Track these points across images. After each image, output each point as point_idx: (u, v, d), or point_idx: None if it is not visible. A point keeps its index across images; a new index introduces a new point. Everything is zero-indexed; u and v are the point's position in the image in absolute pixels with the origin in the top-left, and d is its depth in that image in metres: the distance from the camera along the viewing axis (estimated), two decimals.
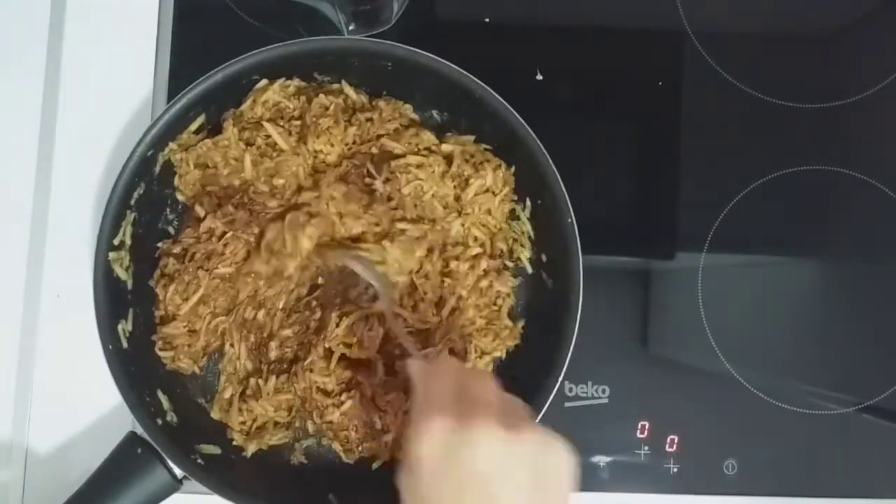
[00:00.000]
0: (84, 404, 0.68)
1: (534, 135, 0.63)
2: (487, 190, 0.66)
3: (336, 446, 0.66)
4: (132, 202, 0.64)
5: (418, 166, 0.65)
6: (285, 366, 0.66)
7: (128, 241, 0.64)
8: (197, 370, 0.67)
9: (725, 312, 0.71)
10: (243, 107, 0.66)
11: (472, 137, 0.67)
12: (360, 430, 0.64)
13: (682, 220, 0.72)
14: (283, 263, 0.64)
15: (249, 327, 0.66)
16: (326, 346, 0.64)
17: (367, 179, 0.65)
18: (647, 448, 0.68)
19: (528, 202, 0.67)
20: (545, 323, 0.65)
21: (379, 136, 0.66)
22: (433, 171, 0.65)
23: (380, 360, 0.65)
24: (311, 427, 0.67)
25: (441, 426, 0.48)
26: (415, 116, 0.68)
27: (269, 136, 0.65)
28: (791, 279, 0.73)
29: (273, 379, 0.65)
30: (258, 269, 0.65)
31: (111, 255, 0.63)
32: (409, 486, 0.49)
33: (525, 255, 0.68)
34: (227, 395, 0.66)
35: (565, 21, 0.74)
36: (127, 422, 0.65)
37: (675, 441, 0.68)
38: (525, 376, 0.64)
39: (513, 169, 0.67)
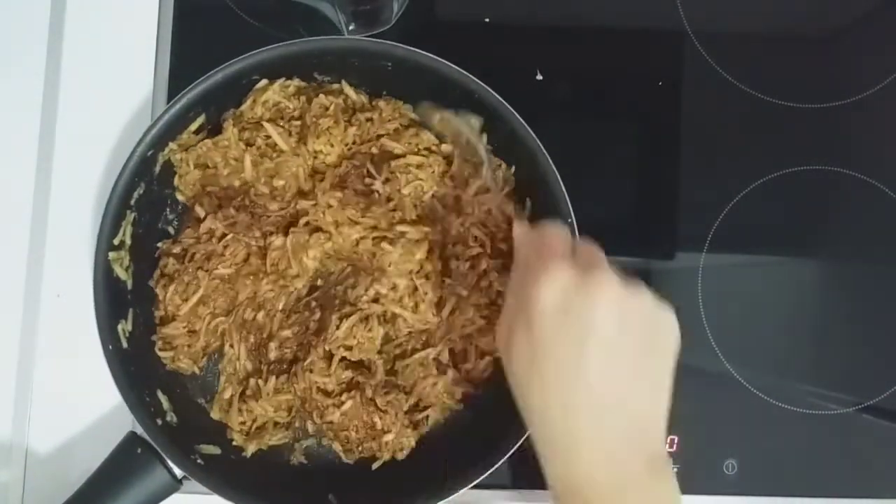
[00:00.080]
0: (84, 404, 0.68)
1: (534, 135, 0.63)
2: (488, 190, 0.66)
3: (336, 446, 0.65)
4: (132, 202, 0.64)
5: (418, 166, 0.65)
6: (285, 366, 0.66)
7: (128, 241, 0.64)
8: (197, 370, 0.67)
9: (725, 312, 0.71)
10: (243, 107, 0.66)
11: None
12: (361, 430, 0.64)
13: (682, 220, 0.72)
14: (291, 283, 0.66)
15: (249, 328, 0.66)
16: (326, 348, 0.64)
17: (367, 180, 0.65)
18: None
19: (528, 202, 0.67)
20: None
21: (379, 136, 0.66)
22: (433, 172, 0.65)
23: (380, 361, 0.65)
24: (311, 427, 0.67)
25: (565, 274, 0.48)
26: (415, 116, 0.68)
27: (269, 137, 0.65)
28: (791, 279, 0.73)
29: (273, 379, 0.65)
30: (266, 290, 0.65)
31: (111, 255, 0.63)
32: (521, 342, 0.49)
33: None
34: (226, 395, 0.66)
35: (565, 21, 0.74)
36: (127, 422, 0.65)
37: (675, 441, 0.68)
38: None
39: (513, 169, 0.67)
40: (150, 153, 0.63)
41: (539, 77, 0.72)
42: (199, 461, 0.63)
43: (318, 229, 0.65)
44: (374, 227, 0.65)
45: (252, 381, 0.66)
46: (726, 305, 0.71)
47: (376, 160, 0.66)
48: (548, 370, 0.48)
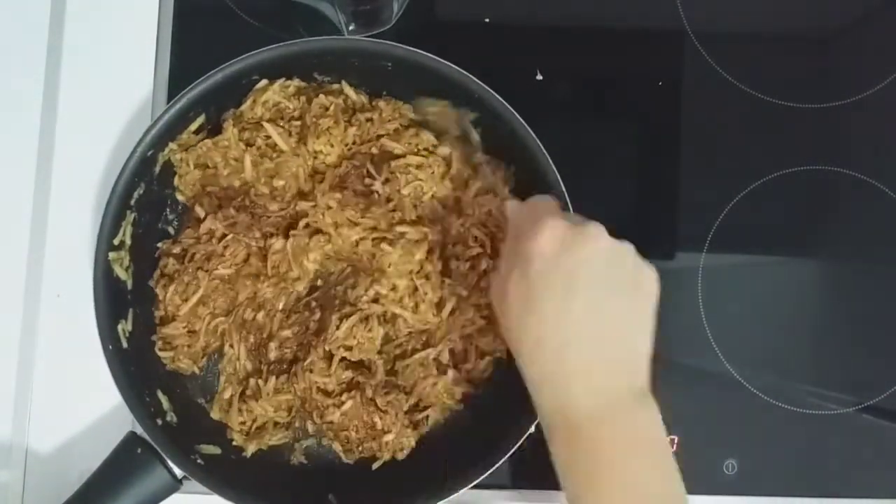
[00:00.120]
0: (84, 404, 0.68)
1: (534, 135, 0.63)
2: (488, 191, 0.66)
3: (336, 447, 0.65)
4: (132, 202, 0.64)
5: (418, 167, 0.65)
6: (285, 366, 0.66)
7: (128, 241, 0.64)
8: (197, 370, 0.67)
9: (725, 312, 0.71)
10: (243, 107, 0.66)
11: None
12: (361, 430, 0.64)
13: (682, 220, 0.72)
14: (291, 286, 0.66)
15: (249, 328, 0.66)
16: (326, 348, 0.64)
17: (367, 180, 0.65)
18: None
19: None
20: None
21: (379, 137, 0.66)
22: (433, 172, 0.65)
23: (380, 361, 0.65)
24: (311, 427, 0.67)
25: (560, 224, 0.52)
26: (415, 116, 0.68)
27: (268, 137, 0.65)
28: (791, 279, 0.73)
29: (273, 379, 0.65)
30: (266, 290, 0.66)
31: (111, 254, 0.63)
32: (517, 290, 0.53)
33: None
34: (226, 395, 0.66)
35: (565, 21, 0.74)
36: (127, 422, 0.65)
37: (675, 441, 0.68)
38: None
39: (512, 169, 0.67)
40: (150, 153, 0.63)
41: (539, 77, 0.72)
42: (199, 461, 0.63)
43: (317, 231, 0.65)
44: (374, 228, 0.65)
45: (252, 381, 0.66)
46: (726, 305, 0.71)
47: (376, 160, 0.66)
48: (543, 308, 0.52)
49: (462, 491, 0.61)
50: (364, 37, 0.66)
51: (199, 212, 0.65)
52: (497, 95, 0.63)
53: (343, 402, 0.63)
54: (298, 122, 0.66)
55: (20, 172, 0.70)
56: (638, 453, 0.52)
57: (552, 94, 0.72)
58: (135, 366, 0.63)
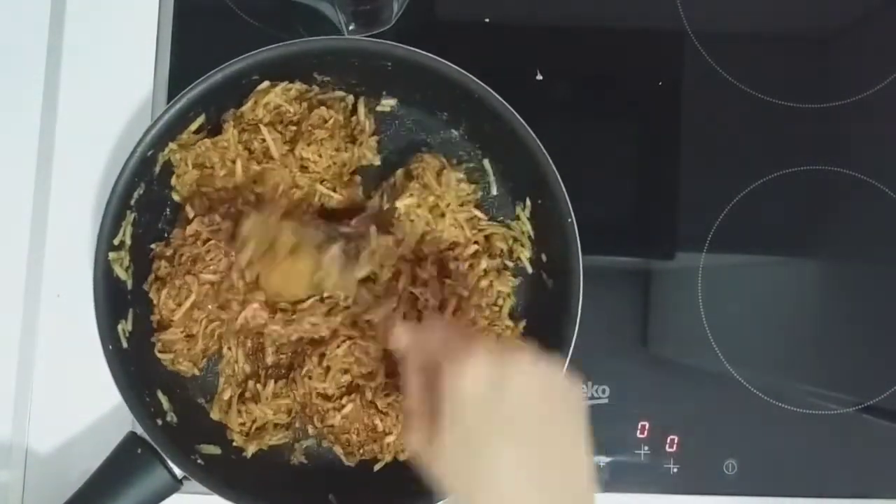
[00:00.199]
0: (84, 404, 0.68)
1: (534, 135, 0.63)
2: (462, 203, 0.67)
3: (337, 449, 0.65)
4: (132, 202, 0.64)
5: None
6: (283, 371, 0.66)
7: (128, 241, 0.64)
8: (197, 372, 0.67)
9: (725, 312, 0.71)
10: (244, 108, 0.66)
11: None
12: (362, 432, 0.64)
13: (682, 220, 0.72)
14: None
15: (246, 332, 0.66)
16: (326, 364, 0.64)
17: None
18: (647, 448, 0.68)
19: (528, 202, 0.67)
20: (545, 323, 0.65)
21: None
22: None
23: (381, 363, 0.65)
24: (311, 430, 0.67)
25: (482, 361, 0.48)
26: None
27: (264, 141, 0.65)
28: (791, 279, 0.73)
29: (272, 383, 0.65)
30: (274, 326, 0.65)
31: (111, 255, 0.63)
32: (447, 438, 0.49)
33: (525, 254, 0.68)
34: (226, 396, 0.66)
35: (565, 21, 0.74)
36: (127, 422, 0.65)
37: (675, 441, 0.68)
38: None
39: (464, 167, 0.67)
40: (150, 153, 0.63)
41: (539, 77, 0.72)
42: (199, 461, 0.63)
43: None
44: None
45: (251, 383, 0.66)
46: (726, 305, 0.71)
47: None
48: (485, 456, 0.48)
49: None
50: (364, 37, 0.66)
51: (189, 212, 0.65)
52: (497, 95, 0.63)
53: (343, 406, 0.63)
54: (294, 128, 0.66)
55: (20, 172, 0.70)
56: None
57: (552, 94, 0.72)
58: (135, 366, 0.63)
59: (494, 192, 0.69)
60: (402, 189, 0.65)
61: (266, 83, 0.65)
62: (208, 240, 0.64)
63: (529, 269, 0.68)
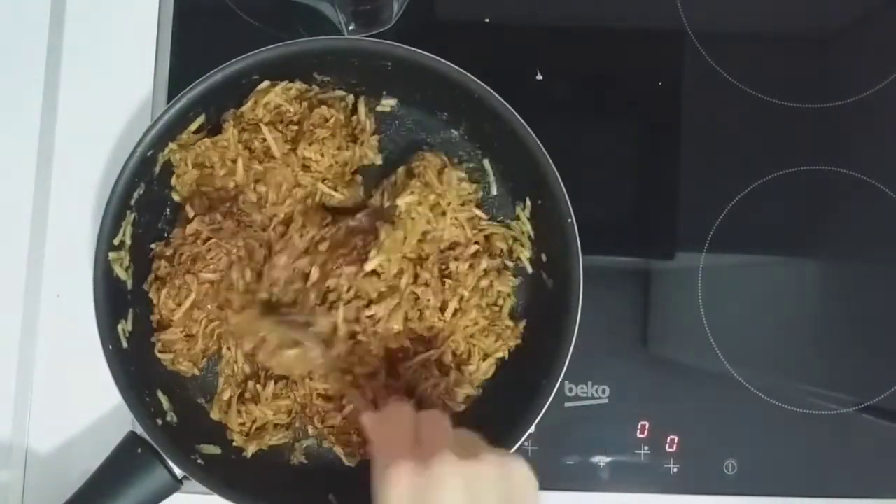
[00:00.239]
0: (84, 404, 0.68)
1: (534, 135, 0.63)
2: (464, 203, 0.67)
3: (338, 450, 0.65)
4: (132, 202, 0.64)
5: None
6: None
7: (128, 241, 0.64)
8: (197, 372, 0.67)
9: (725, 312, 0.71)
10: (244, 107, 0.66)
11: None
12: (363, 433, 0.63)
13: (682, 220, 0.72)
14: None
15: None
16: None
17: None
18: (647, 448, 0.68)
19: (528, 202, 0.67)
20: (545, 323, 0.65)
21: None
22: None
23: (382, 363, 0.65)
24: (311, 430, 0.67)
25: (404, 471, 0.48)
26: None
27: (264, 140, 0.65)
28: (791, 279, 0.73)
29: (271, 384, 0.65)
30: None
31: (111, 255, 0.63)
32: None
33: (525, 254, 0.68)
34: (225, 396, 0.66)
35: (565, 21, 0.74)
36: (127, 422, 0.65)
37: (675, 441, 0.68)
38: (524, 377, 0.64)
39: (464, 166, 0.67)
40: (150, 153, 0.63)
41: (539, 77, 0.72)
42: (199, 461, 0.63)
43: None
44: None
45: (251, 384, 0.66)
46: (726, 305, 0.71)
47: None
48: None
49: None
50: (364, 37, 0.66)
51: (189, 211, 0.65)
52: (497, 95, 0.63)
53: (344, 407, 0.63)
54: (296, 127, 0.66)
55: (20, 172, 0.70)
56: None
57: (552, 94, 0.72)
58: (135, 366, 0.63)
59: (494, 192, 0.69)
60: (402, 187, 0.65)
61: (266, 83, 0.65)
62: (209, 238, 0.64)
63: (529, 269, 0.68)
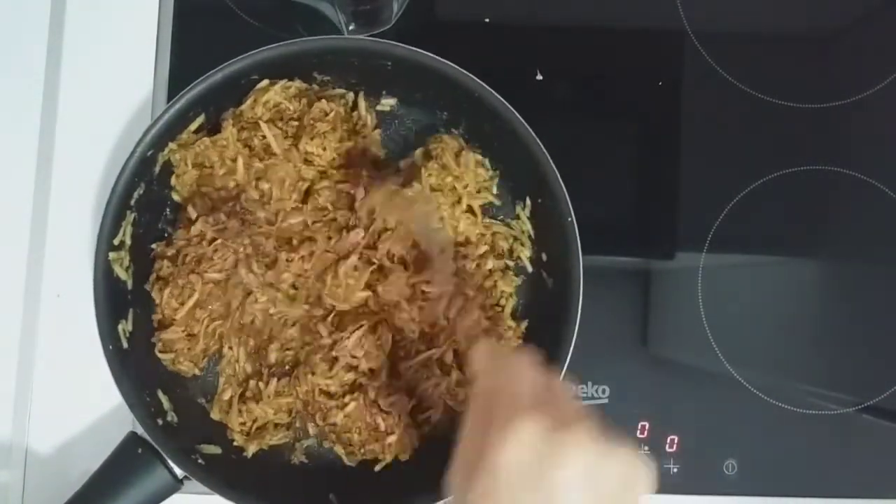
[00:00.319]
0: (84, 404, 0.68)
1: (534, 135, 0.63)
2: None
3: (338, 449, 0.65)
4: (132, 202, 0.64)
5: None
6: (286, 368, 0.66)
7: (128, 241, 0.64)
8: (197, 372, 0.66)
9: (725, 312, 0.71)
10: (244, 106, 0.66)
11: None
12: (363, 432, 0.63)
13: (682, 220, 0.72)
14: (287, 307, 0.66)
15: (248, 332, 0.66)
16: (334, 355, 0.64)
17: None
18: (647, 448, 0.68)
19: (528, 202, 0.67)
20: (545, 323, 0.65)
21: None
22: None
23: (385, 363, 0.65)
24: (312, 430, 0.67)
25: (533, 431, 0.43)
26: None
27: (264, 138, 0.65)
28: (791, 279, 0.73)
29: (273, 382, 0.65)
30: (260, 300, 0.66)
31: (111, 255, 0.63)
32: (482, 491, 0.44)
33: (525, 254, 0.68)
34: (226, 396, 0.66)
35: (565, 21, 0.74)
36: (127, 422, 0.65)
37: (675, 441, 0.68)
38: None
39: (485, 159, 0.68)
40: (150, 153, 0.63)
41: (539, 77, 0.72)
42: (199, 461, 0.63)
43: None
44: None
45: (252, 382, 0.66)
46: (726, 305, 0.71)
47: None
48: None
49: None
50: (364, 37, 0.66)
51: (191, 212, 0.65)
52: (497, 95, 0.63)
53: (346, 405, 0.63)
54: (296, 123, 0.66)
55: (20, 172, 0.70)
56: None
57: (552, 94, 0.72)
58: (135, 366, 0.63)
59: (494, 191, 0.69)
60: (420, 168, 0.65)
61: (265, 81, 0.65)
62: (214, 239, 0.64)
63: (529, 269, 0.68)
